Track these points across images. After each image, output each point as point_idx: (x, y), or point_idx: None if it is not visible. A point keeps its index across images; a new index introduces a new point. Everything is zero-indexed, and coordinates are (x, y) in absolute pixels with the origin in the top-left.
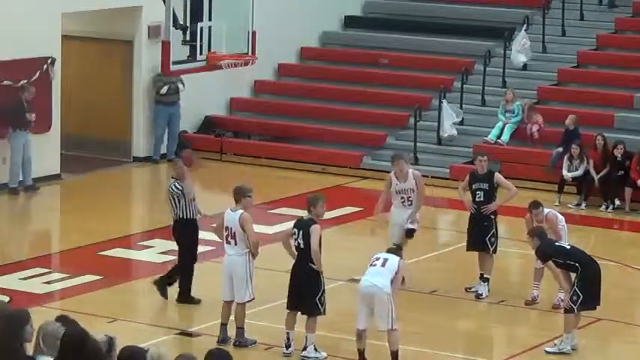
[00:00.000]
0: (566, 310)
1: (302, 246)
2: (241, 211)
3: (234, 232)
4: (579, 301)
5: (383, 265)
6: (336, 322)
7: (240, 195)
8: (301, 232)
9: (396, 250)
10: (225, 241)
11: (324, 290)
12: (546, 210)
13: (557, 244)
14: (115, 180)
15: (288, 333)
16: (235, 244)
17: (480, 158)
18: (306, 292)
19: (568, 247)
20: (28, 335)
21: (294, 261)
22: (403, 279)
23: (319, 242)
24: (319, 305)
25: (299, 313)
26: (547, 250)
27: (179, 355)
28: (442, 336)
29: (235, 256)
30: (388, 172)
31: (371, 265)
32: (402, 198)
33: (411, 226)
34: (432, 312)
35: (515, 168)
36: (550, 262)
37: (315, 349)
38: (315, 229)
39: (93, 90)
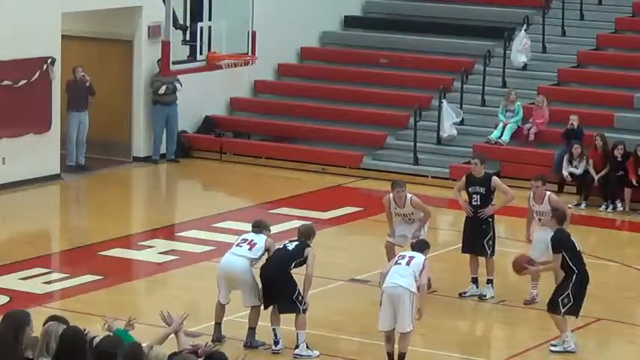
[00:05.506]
0: (552, 310)
1: (289, 248)
2: (266, 237)
3: (255, 244)
4: (569, 305)
5: (408, 263)
6: (336, 322)
7: (261, 228)
8: (296, 242)
9: (421, 245)
10: (235, 245)
11: (299, 290)
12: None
13: (572, 238)
14: (115, 180)
15: (274, 329)
16: (249, 250)
17: (472, 162)
18: (281, 292)
19: (577, 248)
20: (27, 338)
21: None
22: (429, 282)
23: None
24: (298, 304)
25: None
26: (564, 241)
27: (175, 354)
28: (442, 336)
29: (244, 260)
30: (388, 171)
31: (396, 263)
32: (403, 218)
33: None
34: (432, 312)
35: (515, 168)
36: (558, 255)
37: (308, 347)
38: (312, 252)
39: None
